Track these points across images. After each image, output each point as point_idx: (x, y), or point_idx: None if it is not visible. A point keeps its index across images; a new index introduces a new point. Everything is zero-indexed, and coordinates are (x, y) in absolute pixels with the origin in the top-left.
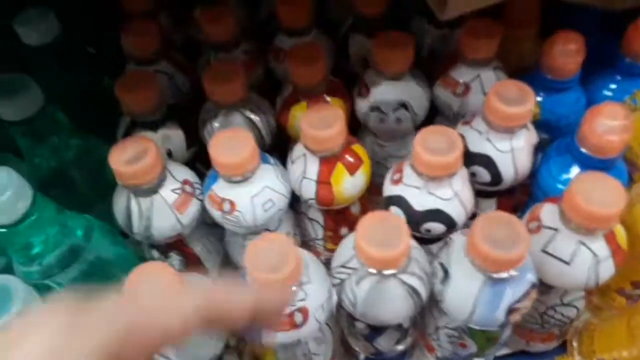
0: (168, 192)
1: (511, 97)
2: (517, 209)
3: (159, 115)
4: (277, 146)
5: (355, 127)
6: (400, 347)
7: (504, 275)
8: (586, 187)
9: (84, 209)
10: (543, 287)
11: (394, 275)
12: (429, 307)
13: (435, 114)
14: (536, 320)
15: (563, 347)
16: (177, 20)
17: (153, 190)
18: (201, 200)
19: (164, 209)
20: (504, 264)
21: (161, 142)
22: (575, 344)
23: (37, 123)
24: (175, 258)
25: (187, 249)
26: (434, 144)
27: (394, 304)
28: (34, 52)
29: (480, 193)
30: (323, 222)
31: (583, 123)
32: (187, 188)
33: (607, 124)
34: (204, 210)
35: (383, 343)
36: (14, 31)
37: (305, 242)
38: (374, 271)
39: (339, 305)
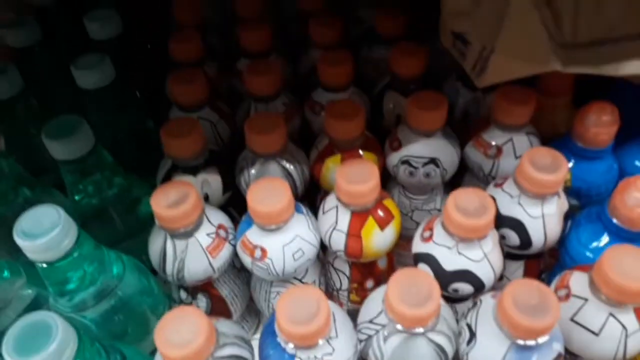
0: (203, 236)
1: (544, 164)
2: (544, 272)
3: (201, 160)
4: (306, 194)
5: (384, 178)
6: None
7: (531, 343)
8: (618, 260)
9: (114, 244)
10: (569, 355)
11: (422, 333)
12: None
13: (464, 171)
14: None
15: None
16: (221, 70)
17: (190, 233)
18: (233, 245)
19: (198, 252)
20: (532, 331)
21: (200, 187)
22: None
23: (86, 162)
24: (202, 300)
25: (215, 292)
26: (466, 205)
27: None
28: (88, 95)
29: (508, 255)
30: (349, 274)
31: (615, 194)
32: (221, 232)
33: (638, 197)
34: (234, 255)
35: None
36: (71, 74)
37: (329, 292)
38: (403, 328)
39: None
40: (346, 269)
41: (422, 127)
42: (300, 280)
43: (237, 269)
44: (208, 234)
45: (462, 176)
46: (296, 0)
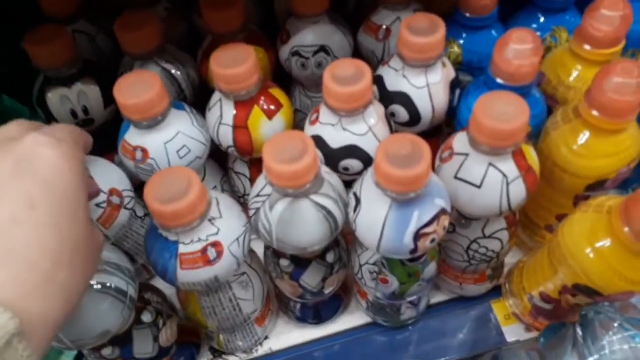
0: (92, 207)
1: (422, 29)
2: None
3: (74, 70)
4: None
5: (287, 84)
6: (329, 288)
7: (409, 195)
8: (489, 107)
9: None
10: (464, 220)
11: (306, 195)
12: (353, 244)
13: None
14: (462, 257)
15: (498, 292)
16: None
17: None
18: (130, 209)
19: None
20: (406, 183)
21: (76, 98)
22: (507, 284)
23: None
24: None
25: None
26: (343, 74)
27: (307, 225)
28: None
29: None
30: (249, 175)
31: (494, 52)
32: (115, 199)
33: (516, 49)
34: (133, 214)
35: (308, 280)
36: None
37: (236, 199)
38: (285, 191)
39: (266, 248)
40: (246, 171)
41: (307, 11)
42: None
43: (140, 219)
44: (98, 205)
45: None
46: None
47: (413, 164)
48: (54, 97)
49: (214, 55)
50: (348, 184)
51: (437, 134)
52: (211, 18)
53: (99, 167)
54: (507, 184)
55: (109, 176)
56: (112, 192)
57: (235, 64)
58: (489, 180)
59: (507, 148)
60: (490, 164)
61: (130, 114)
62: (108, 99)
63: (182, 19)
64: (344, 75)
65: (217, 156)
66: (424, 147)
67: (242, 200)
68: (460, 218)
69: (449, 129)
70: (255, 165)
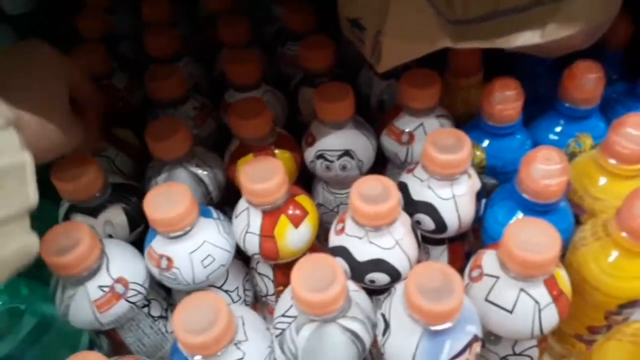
0: (94, 288)
1: (448, 145)
2: (470, 255)
3: (100, 200)
4: (233, 201)
5: (310, 176)
6: None
7: (441, 327)
8: (519, 234)
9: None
10: (494, 337)
11: (333, 320)
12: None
13: (387, 161)
14: None
15: None
16: (134, 81)
17: (80, 281)
18: (132, 303)
19: (84, 304)
20: (439, 316)
21: (102, 228)
22: None
23: None
24: (104, 340)
25: (117, 337)
26: (370, 193)
27: (335, 351)
28: None
29: (430, 240)
30: (273, 277)
31: (520, 169)
32: (119, 287)
33: (543, 169)
34: (136, 308)
35: None
36: None
37: (259, 299)
38: (312, 317)
39: None
40: (270, 273)
41: (331, 119)
42: (219, 288)
43: (152, 318)
44: (100, 287)
45: (385, 166)
46: (206, 2)
47: (446, 296)
48: None
49: (242, 169)
50: (374, 292)
51: (463, 237)
52: (239, 126)
53: (121, 252)
54: (540, 310)
55: (124, 265)
56: (119, 279)
57: (264, 178)
58: (521, 305)
59: (539, 277)
60: (521, 290)
61: (158, 227)
62: (134, 224)
63: (210, 116)
64: (371, 194)
65: (240, 253)
66: (456, 279)
67: (264, 300)
68: (489, 334)
69: (475, 224)
70: (280, 268)
